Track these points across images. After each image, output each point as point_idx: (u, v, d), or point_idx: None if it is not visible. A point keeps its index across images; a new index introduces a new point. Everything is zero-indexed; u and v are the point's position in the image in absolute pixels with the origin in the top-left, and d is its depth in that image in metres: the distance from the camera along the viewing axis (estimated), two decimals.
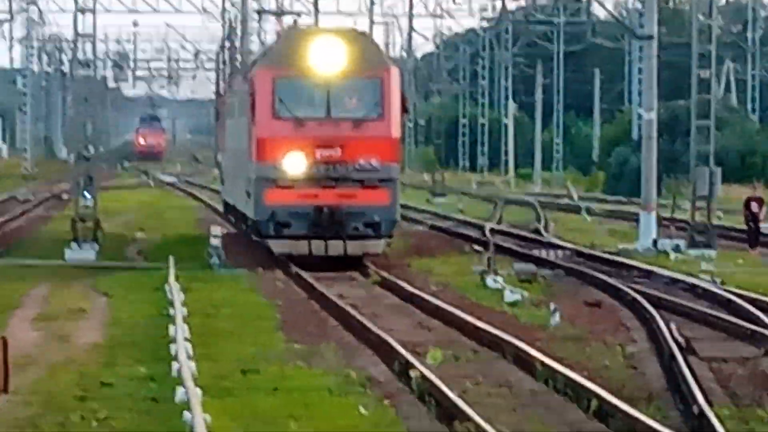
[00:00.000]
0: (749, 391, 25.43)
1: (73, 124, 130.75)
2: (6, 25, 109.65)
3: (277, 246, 39.82)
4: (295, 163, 39.45)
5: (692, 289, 40.07)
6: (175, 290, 35.06)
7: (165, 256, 45.09)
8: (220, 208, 72.26)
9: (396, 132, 41.39)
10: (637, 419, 21.66)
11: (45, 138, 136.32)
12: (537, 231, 61.62)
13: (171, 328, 29.01)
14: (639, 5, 68.46)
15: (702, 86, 59.92)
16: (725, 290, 38.73)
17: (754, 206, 57.13)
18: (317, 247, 39.14)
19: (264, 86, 40.05)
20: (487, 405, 23.19)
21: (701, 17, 60.53)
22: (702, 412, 21.94)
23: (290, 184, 39.52)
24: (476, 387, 25.43)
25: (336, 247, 39.26)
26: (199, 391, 21.78)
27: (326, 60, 39.92)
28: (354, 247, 39.45)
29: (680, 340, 29.36)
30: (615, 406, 22.76)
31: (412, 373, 25.97)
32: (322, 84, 40.15)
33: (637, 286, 39.60)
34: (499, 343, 30.26)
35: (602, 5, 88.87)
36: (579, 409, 23.78)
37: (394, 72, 41.82)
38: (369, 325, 32.05)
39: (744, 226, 60.96)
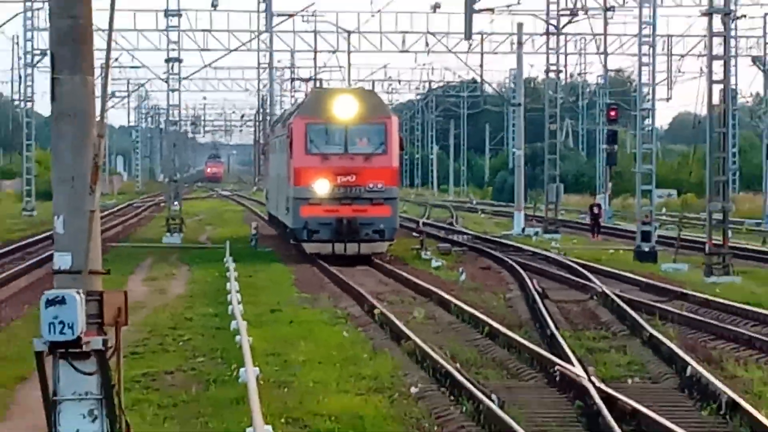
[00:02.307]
0: (581, 321, 25.73)
1: (166, 160, 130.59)
2: (125, 99, 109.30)
3: (309, 248, 38.38)
4: (321, 187, 38.07)
5: (546, 258, 40.01)
6: (229, 262, 34.94)
7: (223, 240, 44.88)
8: (258, 212, 71.60)
9: (396, 163, 40.26)
10: (512, 338, 21.93)
11: (150, 168, 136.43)
12: (451, 223, 61.21)
13: (227, 285, 28.96)
14: (512, 85, 68.27)
15: (551, 134, 59.73)
16: (566, 258, 38.71)
17: (595, 209, 57.08)
18: (339, 248, 37.87)
19: (299, 130, 38.86)
20: (421, 330, 23.16)
21: (551, 92, 60.26)
22: (552, 334, 22.15)
23: (318, 201, 38.24)
24: (414, 319, 25.25)
25: (352, 248, 38.00)
26: (245, 323, 21.83)
27: (344, 111, 38.68)
28: (365, 248, 38.16)
29: (539, 289, 29.32)
30: (498, 330, 23.00)
31: (375, 311, 26.08)
32: (341, 128, 38.68)
33: (512, 257, 39.48)
34: (428, 292, 30.21)
35: (490, 85, 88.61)
36: (477, 332, 23.81)
37: (394, 120, 40.78)
38: (349, 282, 31.95)
39: (583, 221, 60.93)
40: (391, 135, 39.09)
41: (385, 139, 38.81)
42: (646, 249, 41.39)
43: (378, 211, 38.34)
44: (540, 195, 69.23)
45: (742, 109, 62.66)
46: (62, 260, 12.67)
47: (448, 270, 36.89)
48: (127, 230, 58.66)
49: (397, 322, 24.07)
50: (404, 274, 34.57)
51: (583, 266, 35.89)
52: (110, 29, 12.54)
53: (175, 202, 58.26)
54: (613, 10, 55.54)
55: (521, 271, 34.45)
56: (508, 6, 46.93)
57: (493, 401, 15.84)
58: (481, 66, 72.82)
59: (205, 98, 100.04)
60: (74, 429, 12.35)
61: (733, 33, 43.37)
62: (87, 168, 12.73)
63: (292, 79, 78.56)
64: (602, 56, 64.14)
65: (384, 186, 38.53)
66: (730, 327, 24.20)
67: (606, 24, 58.10)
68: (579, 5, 55.14)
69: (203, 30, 59.09)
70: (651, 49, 46.63)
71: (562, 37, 61.24)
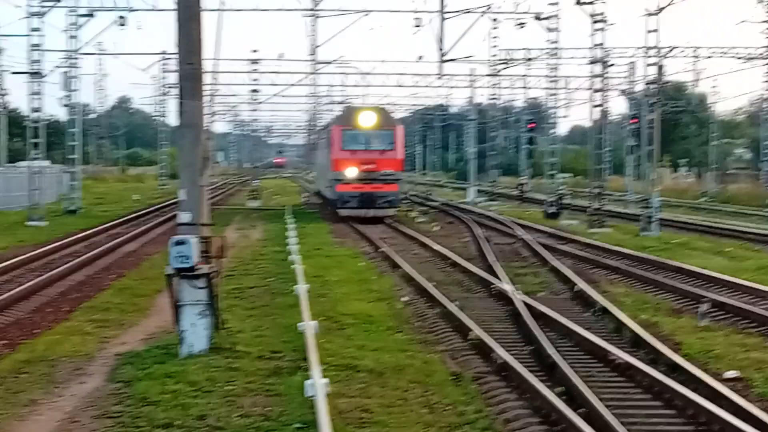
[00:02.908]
0: (510, 256, 25.49)
1: (250, 154, 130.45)
2: (224, 115, 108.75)
3: (342, 212, 37.27)
4: (351, 172, 37.05)
5: (488, 217, 39.65)
6: (288, 219, 34.92)
7: (285, 204, 45.03)
8: (309, 187, 71.50)
9: (401, 156, 39.06)
10: (466, 267, 21.94)
11: (238, 159, 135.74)
12: (428, 195, 60.92)
13: (287, 233, 28.89)
14: (468, 107, 67.96)
15: (491, 139, 59.44)
16: (501, 216, 38.60)
17: (522, 186, 57.18)
18: (363, 212, 36.91)
19: (336, 134, 37.91)
20: (409, 262, 23.07)
21: (491, 112, 60.06)
22: (491, 264, 22.08)
23: (349, 182, 37.15)
24: (405, 254, 25.09)
25: (371, 212, 37.05)
26: (299, 256, 21.85)
27: (366, 121, 37.73)
28: (380, 213, 37.10)
29: (484, 236, 29.35)
30: (458, 262, 23.01)
31: (380, 249, 26.10)
32: (364, 133, 37.61)
33: (466, 216, 39.33)
34: (414, 237, 30.18)
35: (452, 107, 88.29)
36: (444, 263, 23.71)
37: (400, 128, 39.56)
38: (365, 232, 31.78)
39: (515, 192, 60.62)
40: (398, 138, 38.33)
41: (394, 140, 38.00)
42: (551, 211, 41.39)
43: (389, 188, 37.55)
44: (486, 177, 69.29)
45: (612, 123, 62.50)
46: (184, 217, 12.85)
47: (427, 224, 36.76)
48: (225, 199, 58.60)
49: (393, 256, 24.09)
50: (400, 227, 34.37)
51: (512, 222, 35.77)
52: (214, 72, 12.55)
53: (255, 181, 58.95)
54: (532, 60, 55.40)
55: (472, 224, 34.28)
56: (466, 57, 47.02)
57: (451, 307, 15.94)
58: (449, 95, 73.38)
59: (273, 114, 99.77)
60: (190, 323, 12.53)
61: (607, 75, 43.11)
62: (198, 159, 12.86)
63: (330, 102, 78.57)
64: (525, 89, 63.85)
65: (393, 171, 37.75)
66: (602, 260, 24.21)
67: (527, 69, 57.92)
68: (510, 57, 55.04)
69: (273, 72, 59.36)
70: (555, 84, 46.59)
71: (500, 78, 61.25)
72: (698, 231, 34.78)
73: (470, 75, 61.16)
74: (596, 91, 38.21)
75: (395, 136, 38.03)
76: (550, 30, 39.62)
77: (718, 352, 12.95)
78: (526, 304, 15.86)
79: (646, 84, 38.06)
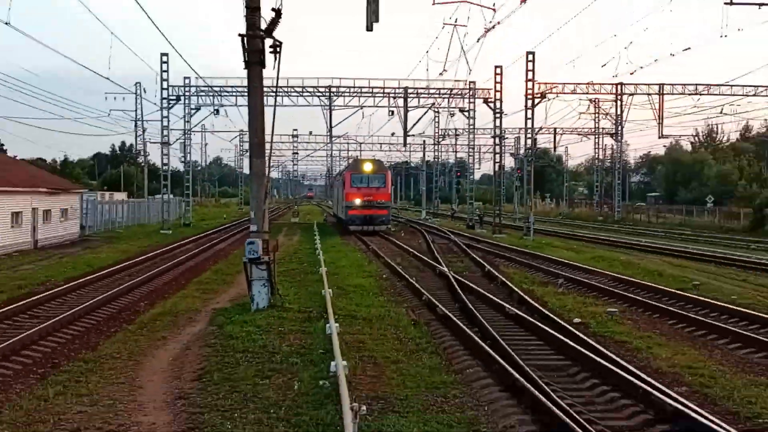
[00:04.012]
0: (446, 250, 25.18)
1: (291, 190, 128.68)
2: (277, 167, 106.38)
3: (352, 228, 34.22)
4: (357, 201, 34.37)
5: (433, 227, 39.01)
6: (316, 230, 34.19)
7: (313, 221, 44.62)
8: (328, 211, 70.30)
9: (390, 192, 36.42)
10: (421, 257, 21.65)
11: (285, 194, 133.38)
12: (398, 216, 60.47)
13: (315, 238, 28.50)
14: (423, 164, 68.20)
15: (436, 183, 58.60)
16: (441, 227, 38.07)
17: (453, 210, 56.64)
18: (365, 228, 33.86)
19: (348, 176, 35.42)
20: (388, 254, 22.60)
21: (436, 166, 59.46)
22: (436, 256, 21.77)
23: (355, 208, 34.39)
24: (385, 250, 24.52)
25: (369, 228, 33.91)
26: (321, 251, 21.72)
27: (367, 168, 34.94)
28: (376, 228, 34.02)
29: (430, 239, 29.04)
30: (416, 254, 22.60)
31: (370, 247, 25.44)
32: (366, 175, 34.68)
33: (420, 227, 38.71)
34: (391, 239, 29.71)
35: (412, 162, 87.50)
36: (409, 255, 23.25)
37: (389, 172, 37.24)
38: (364, 239, 31.30)
39: (447, 214, 60.14)
40: (388, 179, 36.06)
41: (386, 181, 35.62)
42: (470, 224, 41.12)
43: (383, 212, 35.08)
44: (431, 204, 69.11)
45: (505, 172, 62.62)
46: (253, 227, 12.76)
47: (397, 233, 36.43)
48: (277, 217, 57.95)
49: (378, 251, 23.79)
50: (383, 233, 33.76)
51: (447, 230, 35.42)
52: (271, 141, 12.60)
53: (295, 206, 58.33)
54: (458, 135, 55.71)
55: (425, 233, 33.87)
56: (420, 133, 47.62)
57: (412, 281, 15.84)
58: (410, 155, 73.29)
59: (306, 166, 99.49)
60: (257, 291, 12.43)
61: (503, 143, 43.43)
62: (262, 193, 12.81)
63: (339, 158, 78.22)
64: (455, 152, 64.00)
65: (385, 201, 35.37)
66: (501, 253, 24.20)
67: (456, 140, 58.18)
68: (446, 133, 55.43)
69: (305, 141, 59.72)
70: (472, 149, 46.44)
71: (440, 146, 61.32)
72: (557, 236, 34.85)
73: (422, 144, 61.21)
74: (496, 153, 38.42)
75: (386, 178, 35.87)
76: (468, 117, 39.65)
77: (569, 307, 12.96)
78: (456, 279, 15.78)
79: (526, 149, 38.22)
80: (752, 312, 11.95)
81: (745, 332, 10.42)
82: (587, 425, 6.11)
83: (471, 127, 40.31)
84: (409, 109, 39.16)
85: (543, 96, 37.60)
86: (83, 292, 15.05)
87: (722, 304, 12.81)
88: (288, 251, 24.19)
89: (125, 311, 12.97)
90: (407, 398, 7.10)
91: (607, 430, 6.30)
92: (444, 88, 38.81)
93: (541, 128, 48.68)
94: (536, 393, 6.84)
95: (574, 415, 6.31)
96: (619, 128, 46.68)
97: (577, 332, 10.20)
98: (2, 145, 62.49)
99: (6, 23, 17.03)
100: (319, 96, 38.62)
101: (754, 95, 39.14)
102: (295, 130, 59.91)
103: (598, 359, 8.33)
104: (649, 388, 7.06)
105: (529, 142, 35.98)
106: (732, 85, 38.98)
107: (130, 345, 9.80)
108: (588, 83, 41.64)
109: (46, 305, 13.30)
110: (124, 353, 9.27)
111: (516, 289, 14.70)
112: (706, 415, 6.32)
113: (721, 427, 5.97)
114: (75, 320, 11.69)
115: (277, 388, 7.39)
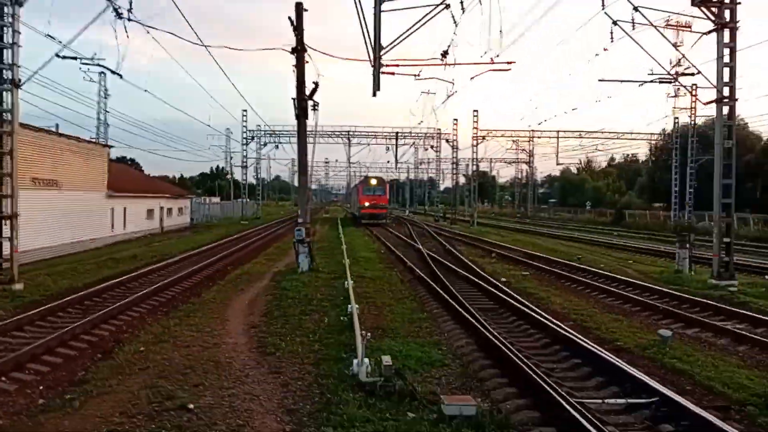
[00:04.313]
0: (424, 237, 24.04)
1: (324, 197, 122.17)
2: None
3: (363, 221, 32.26)
4: (366, 204, 32.71)
5: (413, 221, 37.54)
6: (339, 223, 33.33)
7: (337, 217, 43.44)
8: (348, 210, 67.19)
9: (387, 197, 34.33)
10: (408, 241, 21.17)
11: (320, 199, 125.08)
12: (390, 213, 59.01)
13: (339, 228, 27.85)
14: (408, 180, 66.23)
15: (420, 194, 57.61)
16: (422, 222, 36.81)
17: (425, 209, 55.52)
18: (372, 221, 31.94)
19: (360, 188, 34.00)
20: (385, 238, 21.92)
21: (417, 182, 58.03)
22: (416, 240, 21.28)
23: (365, 208, 32.71)
24: (383, 235, 23.70)
25: (376, 223, 31.88)
26: (343, 235, 21.36)
27: (373, 182, 33.20)
28: (379, 222, 31.97)
29: (411, 229, 28.19)
30: (404, 239, 22.10)
31: (374, 233, 24.77)
32: (372, 187, 32.95)
33: (405, 221, 37.64)
34: (387, 228, 28.75)
35: (401, 179, 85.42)
36: (398, 239, 22.54)
37: (388, 185, 35.13)
38: (371, 229, 30.11)
39: (422, 212, 58.15)
40: (387, 189, 34.43)
41: (386, 190, 34.03)
42: (437, 219, 40.46)
43: (383, 211, 33.45)
44: (413, 206, 68.34)
45: (460, 187, 61.58)
46: (300, 220, 12.59)
47: (392, 224, 35.24)
48: (313, 214, 56.25)
49: (379, 236, 23.29)
50: (383, 226, 32.12)
51: (422, 222, 34.82)
52: (312, 165, 12.48)
53: (327, 207, 57.53)
54: (430, 163, 55.32)
55: (408, 224, 33.04)
56: (405, 161, 47.16)
57: (400, 254, 15.66)
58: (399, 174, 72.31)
59: (333, 181, 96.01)
60: (302, 260, 12.24)
61: (459, 168, 42.87)
62: (305, 198, 12.70)
63: (356, 176, 76.28)
64: (427, 173, 63.45)
65: (384, 204, 33.80)
66: (455, 237, 23.72)
67: (429, 166, 57.59)
68: (422, 162, 55.02)
69: (333, 166, 59.16)
70: (438, 172, 46.08)
71: (418, 169, 60.65)
72: (491, 226, 34.44)
73: (407, 168, 60.90)
74: (454, 174, 38.72)
75: (386, 189, 34.43)
76: (436, 151, 39.92)
77: (498, 271, 12.87)
78: (428, 254, 15.61)
79: (472, 172, 38.04)
80: (613, 274, 12.10)
81: (608, 287, 10.56)
82: (510, 345, 6.35)
83: (438, 157, 40.49)
84: (399, 145, 39.18)
85: (483, 138, 37.61)
86: (194, 260, 15.02)
87: (595, 269, 12.89)
88: (321, 236, 23.78)
89: (218, 272, 12.93)
90: (396, 328, 7.22)
91: (522, 347, 6.58)
92: (421, 132, 38.92)
93: (482, 159, 48.69)
94: (477, 324, 7.08)
95: (501, 338, 6.57)
96: (531, 159, 47.52)
97: (503, 287, 10.26)
98: (141, 166, 62.20)
99: (135, 84, 16.40)
100: (341, 137, 38.91)
101: (617, 138, 40.30)
102: (327, 158, 59.43)
103: (516, 304, 8.46)
104: (548, 322, 7.30)
105: (474, 167, 35.89)
106: (603, 132, 39.99)
107: (221, 294, 9.85)
108: (512, 130, 41.98)
109: (168, 268, 13.32)
110: (218, 299, 9.35)
111: (465, 259, 14.65)
112: (584, 339, 6.58)
113: (592, 345, 6.23)
114: (187, 277, 11.74)
115: (313, 322, 7.51)
